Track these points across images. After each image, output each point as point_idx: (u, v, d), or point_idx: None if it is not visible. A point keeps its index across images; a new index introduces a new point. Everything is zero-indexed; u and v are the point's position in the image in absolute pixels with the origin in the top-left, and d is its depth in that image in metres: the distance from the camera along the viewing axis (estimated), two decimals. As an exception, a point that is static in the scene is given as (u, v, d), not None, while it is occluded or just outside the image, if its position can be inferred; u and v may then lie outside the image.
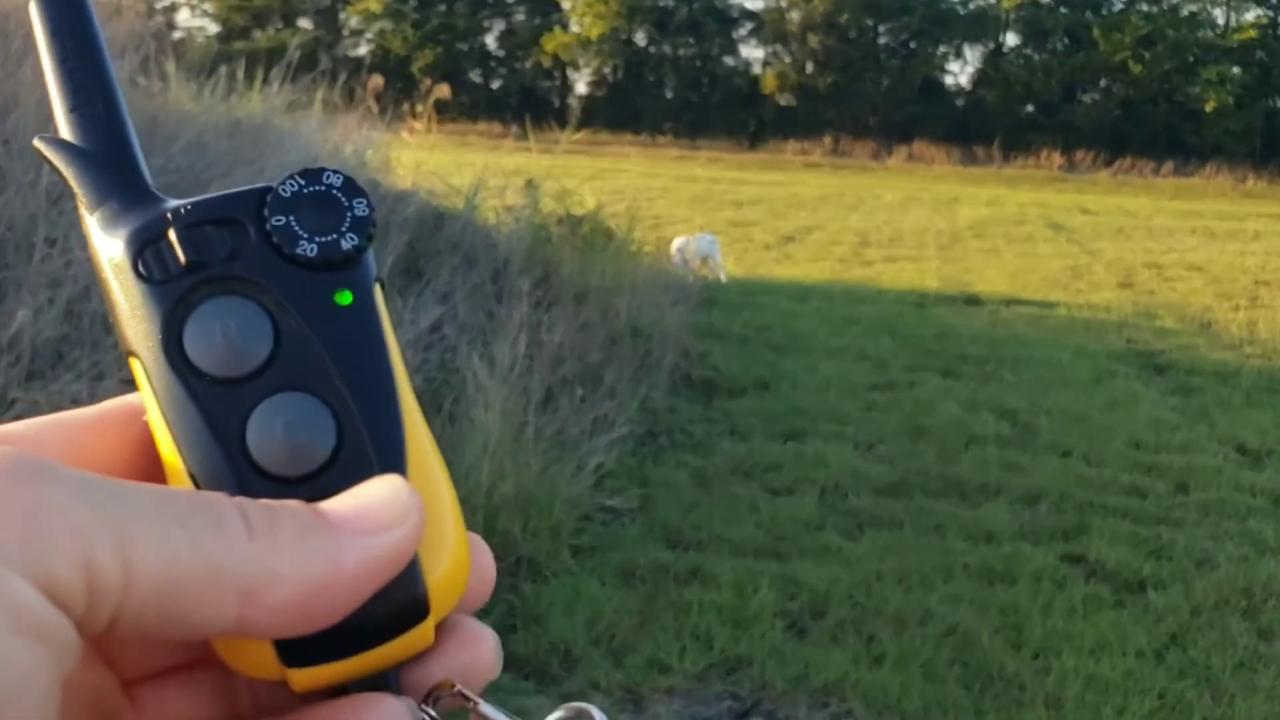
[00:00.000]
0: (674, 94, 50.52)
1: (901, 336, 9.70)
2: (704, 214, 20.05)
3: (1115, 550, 5.02)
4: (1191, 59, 40.46)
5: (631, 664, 3.76)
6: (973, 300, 12.31)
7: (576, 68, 52.50)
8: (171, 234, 0.35)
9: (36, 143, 0.36)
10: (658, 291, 8.86)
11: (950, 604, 4.36)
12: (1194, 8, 41.50)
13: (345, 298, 0.36)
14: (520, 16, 52.73)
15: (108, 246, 0.35)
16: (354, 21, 52.77)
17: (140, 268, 0.35)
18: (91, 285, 4.32)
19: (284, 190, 0.36)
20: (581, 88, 53.32)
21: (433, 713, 0.38)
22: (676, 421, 6.88)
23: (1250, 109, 39.38)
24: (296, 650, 0.34)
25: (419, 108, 10.78)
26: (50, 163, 0.36)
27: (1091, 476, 6.14)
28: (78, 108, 0.36)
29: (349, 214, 0.36)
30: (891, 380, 8.10)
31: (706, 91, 50.18)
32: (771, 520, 5.21)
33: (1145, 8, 42.26)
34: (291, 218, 0.35)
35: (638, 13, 48.65)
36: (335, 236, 0.36)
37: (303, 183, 0.36)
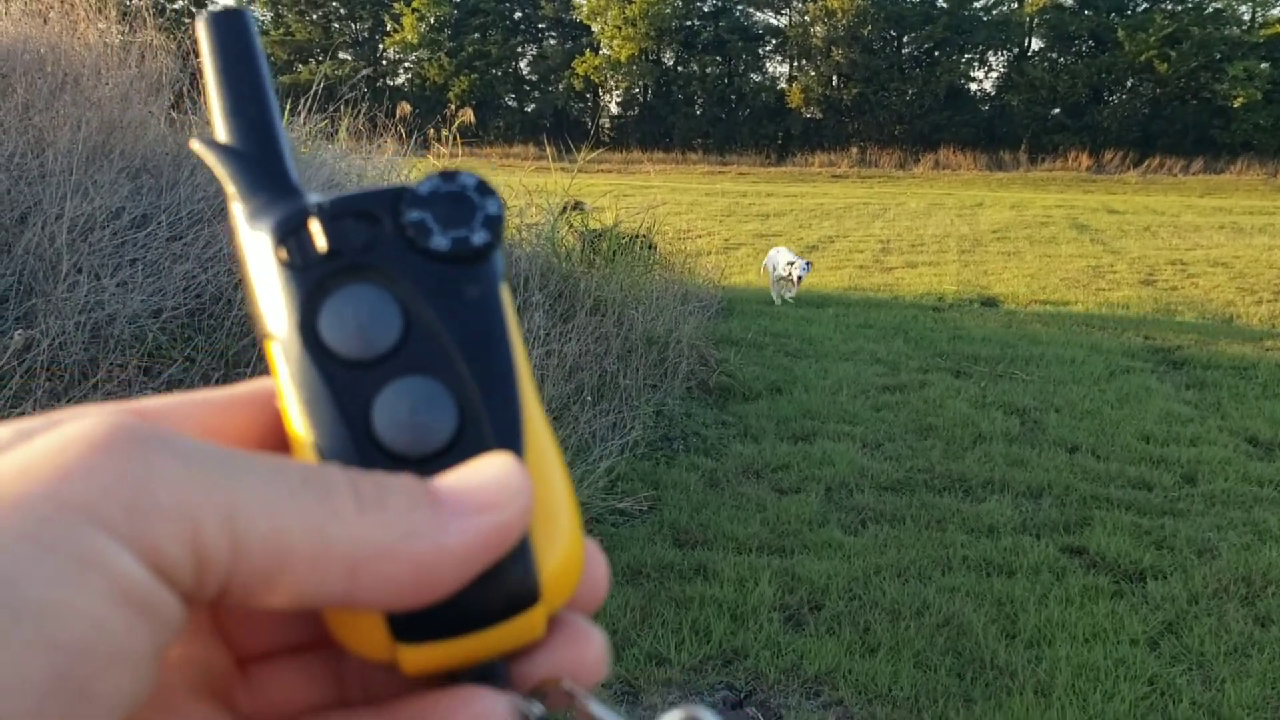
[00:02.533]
0: (703, 111, 50.80)
1: (915, 339, 9.78)
2: (730, 227, 20.21)
3: (1116, 541, 5.09)
4: (1218, 55, 40.12)
5: (630, 657, 3.89)
6: (990, 302, 12.35)
7: (607, 89, 52.96)
8: (312, 224, 0.37)
9: (193, 144, 0.39)
10: (675, 302, 9.00)
11: (946, 595, 4.46)
12: (1219, 4, 41.18)
13: (473, 290, 0.37)
14: (552, 41, 53.33)
15: (253, 235, 0.37)
16: (392, 52, 53.65)
17: (282, 254, 0.37)
18: (117, 312, 4.54)
19: (420, 188, 0.39)
20: (613, 108, 53.77)
21: (539, 709, 0.37)
22: (690, 426, 7.01)
23: (1279, 103, 38.98)
24: (407, 626, 0.34)
25: (445, 132, 10.99)
26: (205, 161, 0.38)
27: (1097, 470, 6.21)
28: (233, 113, 0.38)
29: (480, 212, 0.38)
30: (902, 382, 8.19)
31: (734, 108, 50.40)
32: (777, 518, 5.33)
33: (1169, 6, 42.00)
34: (426, 213, 0.38)
35: (665, 33, 49.03)
36: (466, 232, 0.37)
37: (439, 182, 0.38)
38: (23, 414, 3.35)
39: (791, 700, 3.67)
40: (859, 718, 3.56)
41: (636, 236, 9.77)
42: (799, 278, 11.33)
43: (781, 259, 11.63)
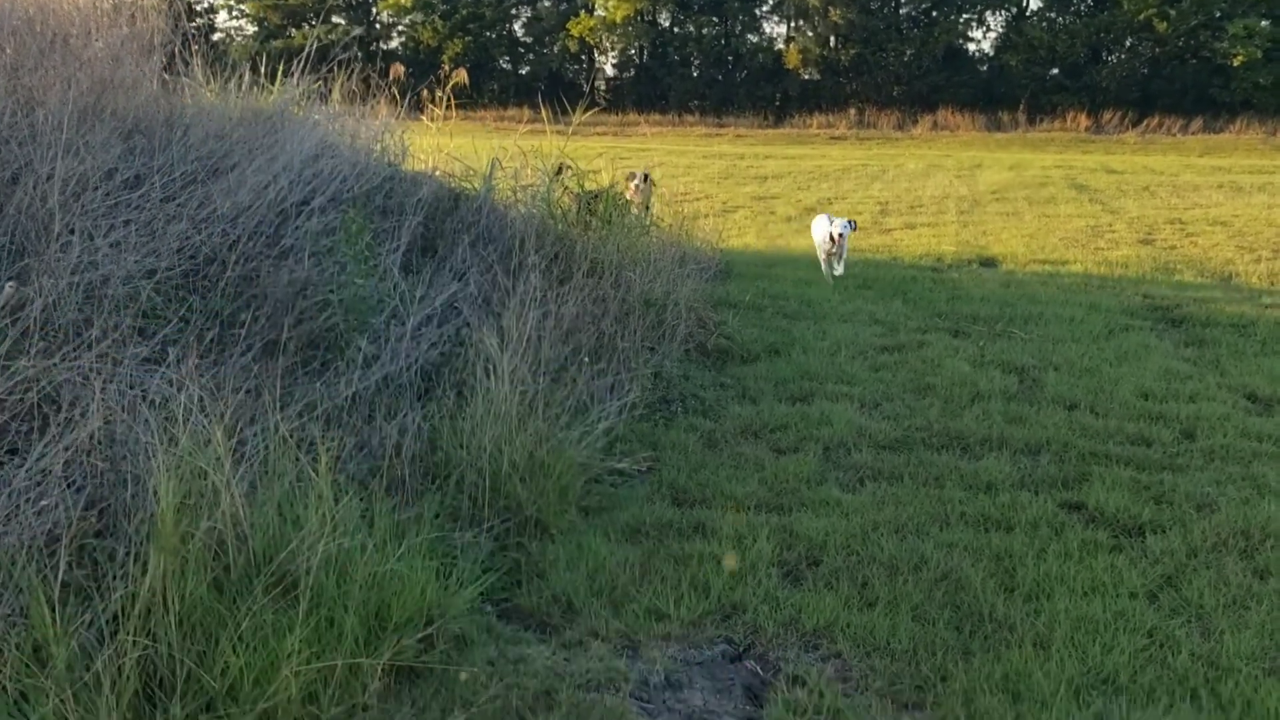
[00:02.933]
0: (699, 72, 50.32)
1: (913, 300, 9.76)
2: (728, 189, 20.12)
3: (1115, 497, 5.09)
4: (1218, 14, 39.71)
5: (630, 613, 3.90)
6: (988, 262, 12.32)
7: (603, 50, 52.50)
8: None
9: None
10: (673, 264, 8.96)
11: (945, 550, 4.47)
12: (1220, -39, 40.81)
13: None
14: (547, 2, 52.75)
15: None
16: (385, 15, 53.13)
17: None
18: (111, 272, 4.51)
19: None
20: (609, 70, 53.32)
21: None
22: (689, 388, 7.00)
23: (1279, 61, 38.68)
24: None
25: (439, 94, 10.90)
26: None
27: (1096, 427, 6.21)
28: None
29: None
30: (900, 342, 8.17)
31: (731, 69, 49.95)
32: (775, 477, 5.33)
33: (1170, -37, 41.64)
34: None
35: (661, -6, 48.60)
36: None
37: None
38: (15, 373, 3.33)
39: (790, 653, 3.69)
40: (857, 670, 3.58)
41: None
42: (839, 235, 10.34)
43: (821, 230, 10.66)
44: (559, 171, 9.45)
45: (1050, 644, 3.72)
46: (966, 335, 8.53)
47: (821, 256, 10.69)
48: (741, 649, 3.77)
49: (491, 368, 5.00)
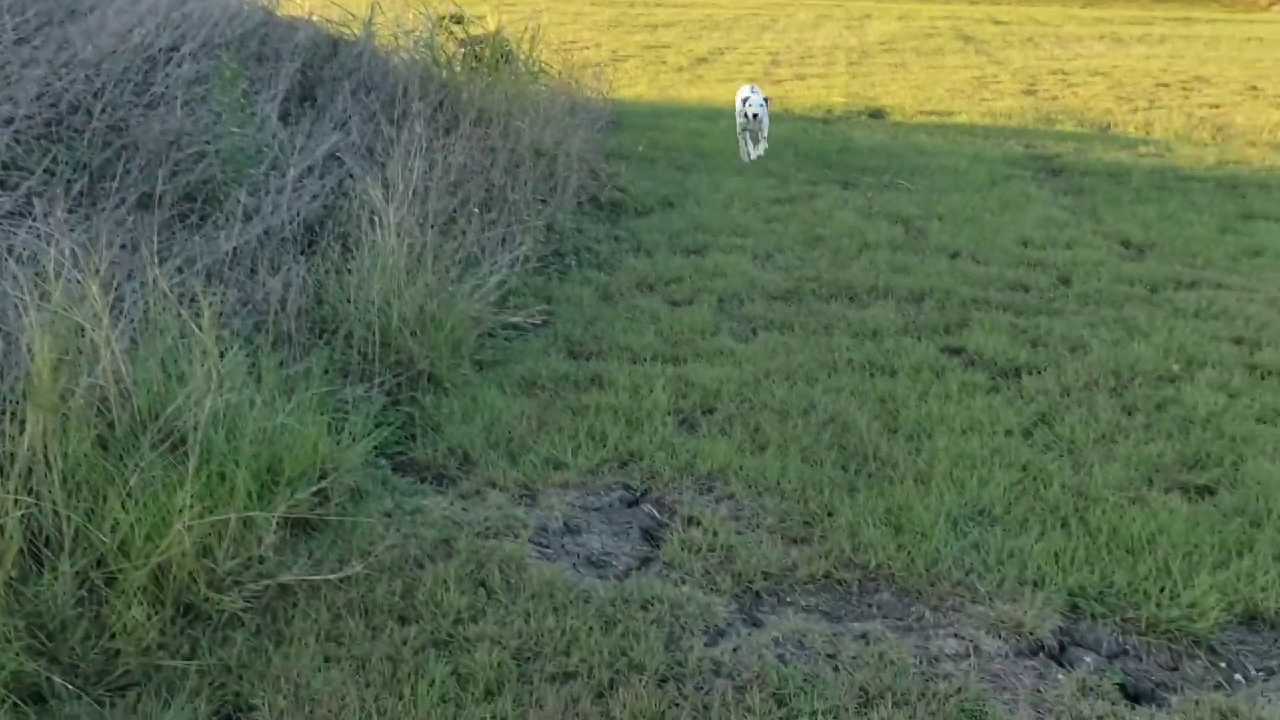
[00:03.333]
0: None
1: (804, 152, 9.77)
2: (618, 38, 19.64)
3: (994, 340, 5.27)
4: None
5: (527, 463, 3.94)
6: (877, 114, 12.37)
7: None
8: None
9: None
10: (564, 114, 8.77)
11: (832, 395, 4.59)
12: None
13: None
14: None
15: None
16: None
17: None
18: None
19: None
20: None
21: None
22: (583, 240, 6.95)
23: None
24: None
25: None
26: None
27: (978, 274, 6.38)
28: None
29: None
30: (792, 194, 8.21)
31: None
32: (670, 328, 5.37)
33: None
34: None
35: None
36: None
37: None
38: None
39: (685, 496, 3.78)
40: (749, 509, 3.69)
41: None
42: (753, 115, 9.20)
43: (740, 101, 9.46)
44: (458, 21, 9.09)
45: (930, 479, 3.88)
46: (855, 186, 8.61)
47: (740, 135, 9.51)
48: (639, 494, 3.85)
49: (377, 220, 4.87)
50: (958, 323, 5.56)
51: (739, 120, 9.35)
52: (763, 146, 9.43)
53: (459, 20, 9.14)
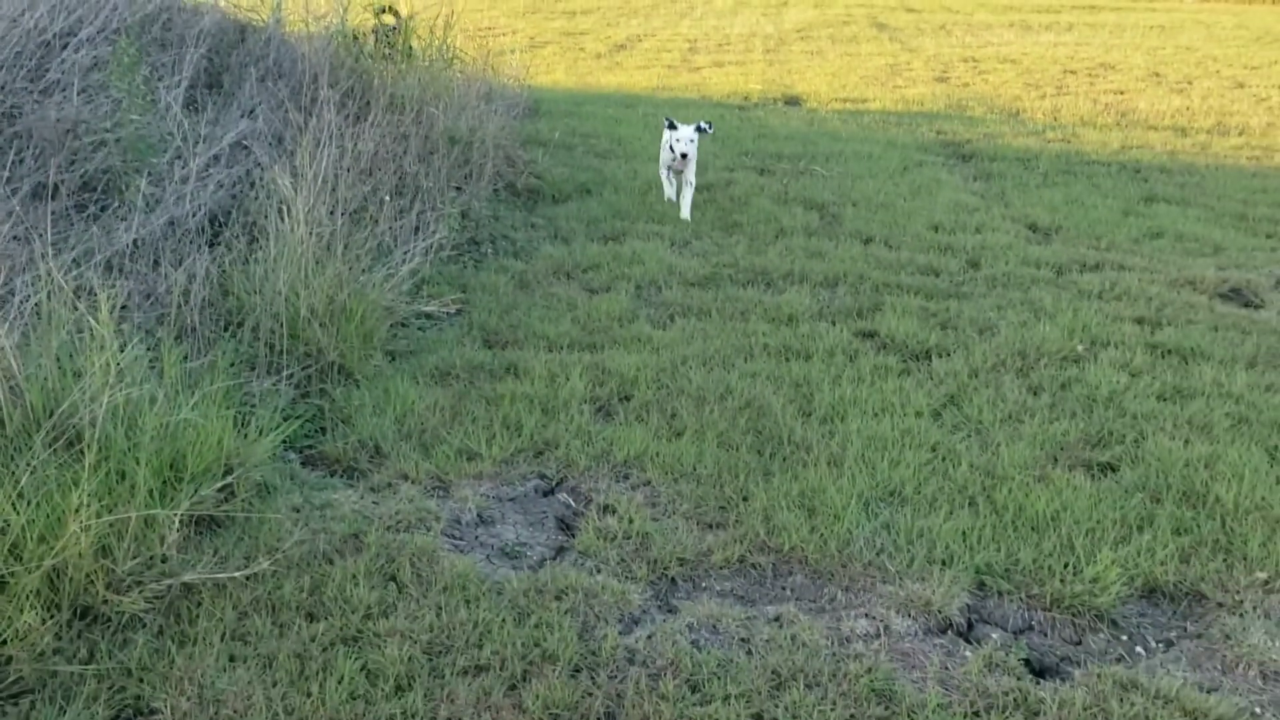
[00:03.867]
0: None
1: (721, 138, 9.80)
2: (535, 24, 19.50)
3: (905, 324, 5.34)
4: None
5: (440, 454, 3.89)
6: (793, 101, 12.45)
7: None
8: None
9: None
10: (480, 100, 8.68)
11: (748, 380, 4.61)
12: None
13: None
14: None
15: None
16: None
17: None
18: None
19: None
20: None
21: None
22: (499, 228, 6.89)
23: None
24: None
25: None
26: None
27: (890, 259, 6.46)
28: None
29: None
30: (709, 180, 8.22)
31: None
32: (587, 316, 5.35)
33: None
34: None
35: None
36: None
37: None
38: None
39: (601, 484, 3.77)
40: (665, 495, 3.70)
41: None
42: (681, 154, 7.19)
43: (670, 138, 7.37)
44: (382, 11, 8.92)
45: (843, 462, 3.92)
46: (771, 173, 8.65)
47: (662, 172, 7.65)
48: (554, 483, 3.83)
49: (285, 209, 4.77)
50: (870, 307, 5.62)
51: (662, 154, 7.48)
52: (689, 195, 7.32)
53: (389, 9, 8.97)
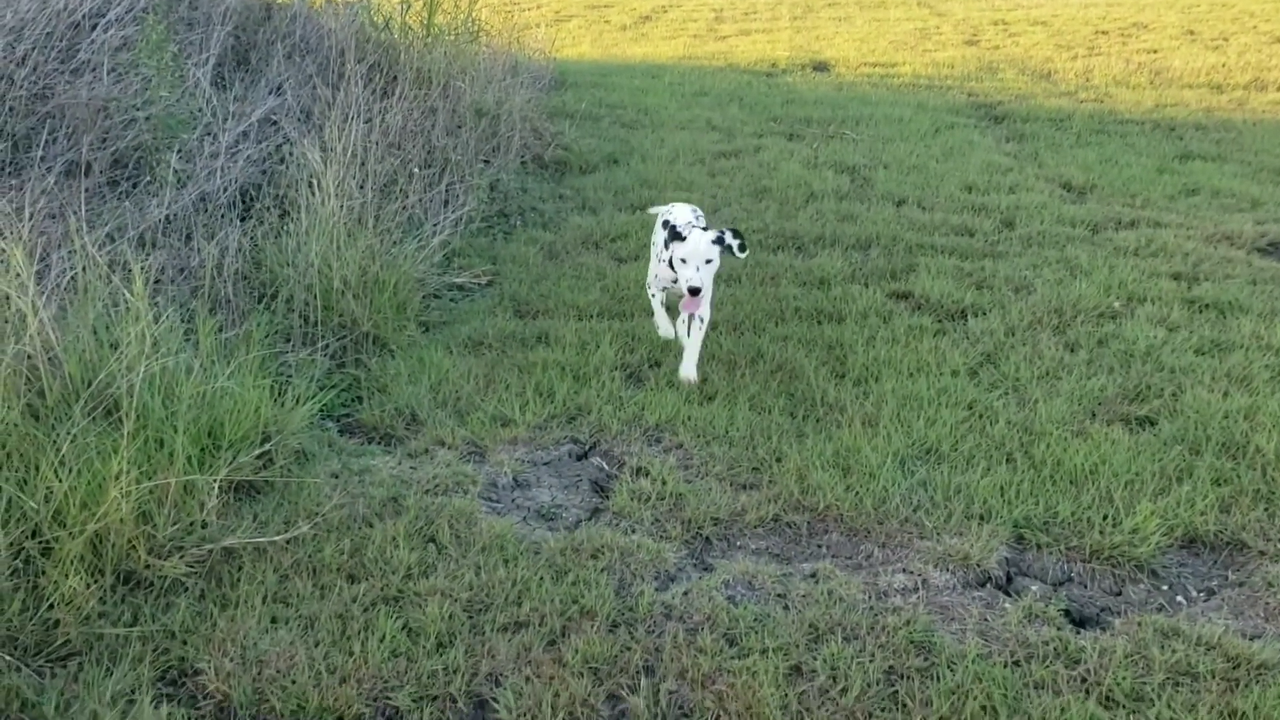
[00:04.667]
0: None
1: (749, 105, 9.74)
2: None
3: (940, 284, 5.29)
4: None
5: (475, 421, 3.90)
6: (821, 66, 12.34)
7: None
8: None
9: None
10: (506, 74, 8.67)
11: (780, 344, 4.59)
12: None
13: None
14: None
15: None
16: None
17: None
18: None
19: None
20: None
21: None
22: (527, 200, 6.89)
23: None
24: None
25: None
26: None
27: (923, 220, 6.40)
28: None
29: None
30: (737, 147, 8.18)
31: None
32: (616, 285, 5.34)
33: None
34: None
35: None
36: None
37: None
38: None
39: (634, 448, 3.77)
40: (698, 457, 3.69)
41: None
42: (690, 289, 4.12)
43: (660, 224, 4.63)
44: None
45: (878, 422, 3.90)
46: (801, 138, 8.59)
47: (651, 293, 4.68)
48: (587, 448, 3.83)
49: (315, 182, 4.79)
50: (904, 268, 5.58)
51: (653, 266, 4.62)
52: (697, 340, 4.30)
53: None
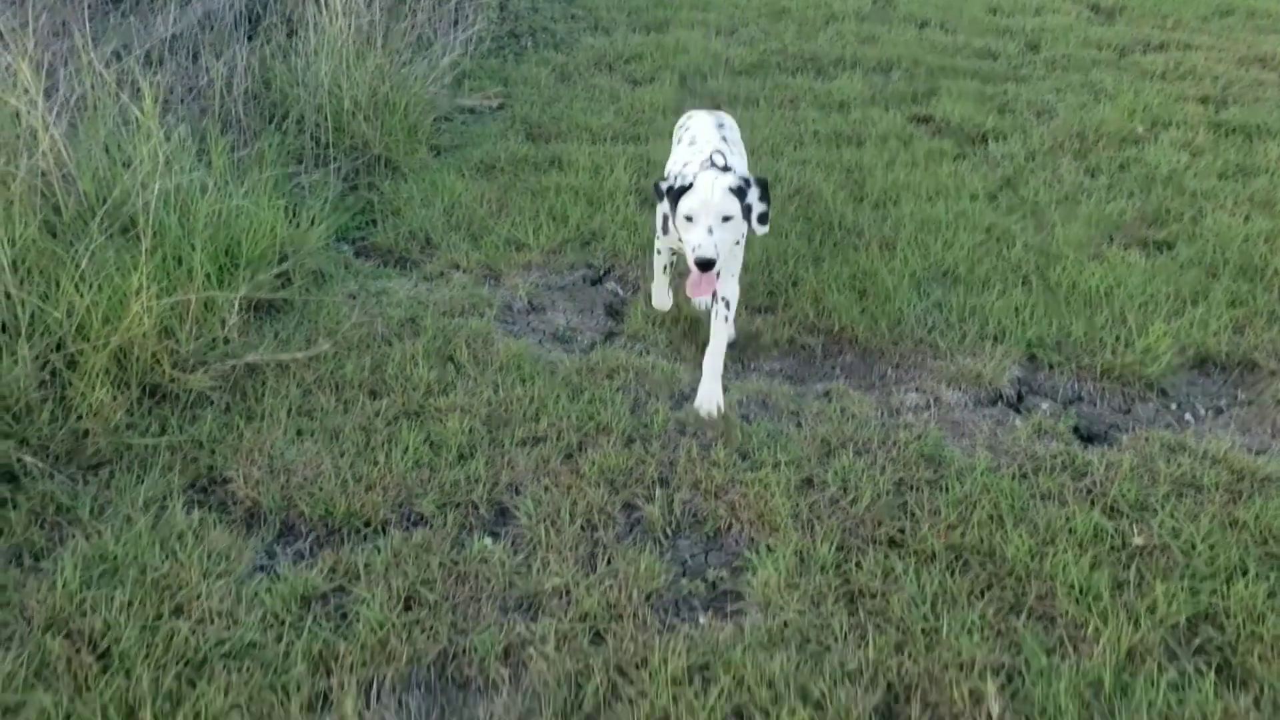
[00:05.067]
0: None
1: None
2: None
3: (961, 108, 5.19)
4: None
5: (489, 245, 3.90)
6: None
7: None
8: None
9: None
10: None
11: (798, 168, 4.53)
12: None
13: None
14: None
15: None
16: None
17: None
18: None
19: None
20: None
21: None
22: (539, 20, 6.71)
23: None
24: None
25: None
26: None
27: (945, 43, 6.22)
28: None
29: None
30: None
31: None
32: (631, 107, 5.25)
33: None
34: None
35: None
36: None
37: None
38: None
39: (648, 271, 3.77)
40: (714, 279, 3.69)
41: None
42: (706, 258, 2.79)
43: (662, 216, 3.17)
44: None
45: (895, 245, 3.88)
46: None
47: (659, 255, 3.38)
48: (601, 272, 3.83)
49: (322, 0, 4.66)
50: (925, 92, 5.46)
51: (659, 228, 3.11)
52: (722, 340, 3.02)
53: None
